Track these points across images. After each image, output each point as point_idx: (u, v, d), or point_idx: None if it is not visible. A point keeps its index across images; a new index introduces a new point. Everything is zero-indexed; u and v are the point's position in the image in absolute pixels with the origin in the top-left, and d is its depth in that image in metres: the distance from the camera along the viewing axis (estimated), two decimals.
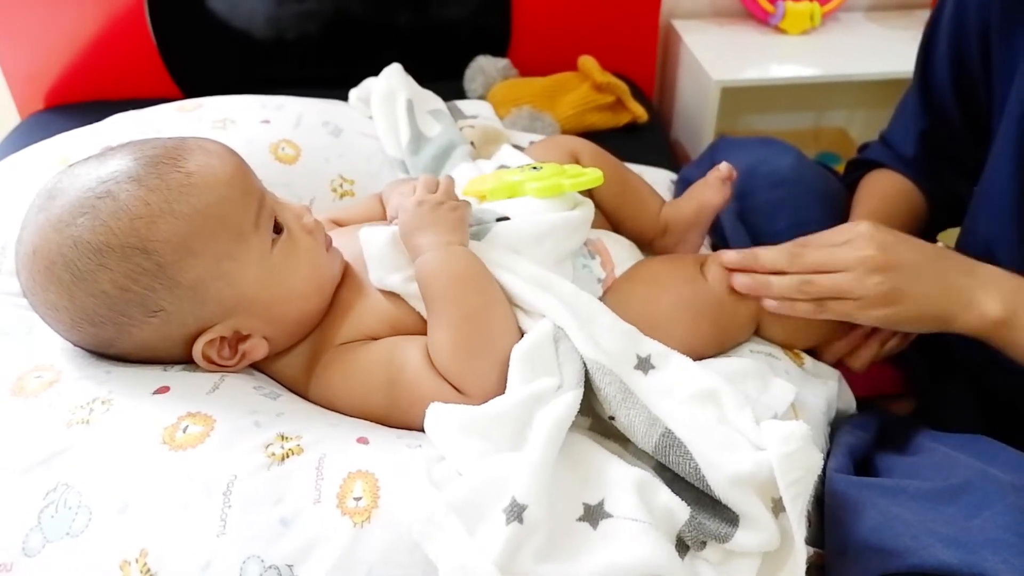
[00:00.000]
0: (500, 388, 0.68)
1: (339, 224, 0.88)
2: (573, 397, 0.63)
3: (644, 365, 0.71)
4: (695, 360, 0.74)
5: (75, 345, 0.70)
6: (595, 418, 0.69)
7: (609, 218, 0.93)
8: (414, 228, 0.74)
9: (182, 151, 0.68)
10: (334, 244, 0.78)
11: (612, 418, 0.67)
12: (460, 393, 0.68)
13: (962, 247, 0.95)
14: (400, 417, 0.70)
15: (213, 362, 0.70)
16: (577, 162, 0.91)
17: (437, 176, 0.96)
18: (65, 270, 0.64)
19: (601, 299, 0.80)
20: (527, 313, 0.72)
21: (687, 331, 0.80)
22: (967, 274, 0.79)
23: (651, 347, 0.73)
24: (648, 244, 0.95)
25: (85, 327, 0.67)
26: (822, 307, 0.80)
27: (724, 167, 0.95)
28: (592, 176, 0.82)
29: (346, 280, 0.78)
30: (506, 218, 0.78)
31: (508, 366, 0.68)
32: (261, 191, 0.72)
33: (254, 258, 0.69)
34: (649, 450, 0.64)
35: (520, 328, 0.72)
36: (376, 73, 1.13)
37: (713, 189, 0.95)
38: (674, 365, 0.72)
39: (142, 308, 0.66)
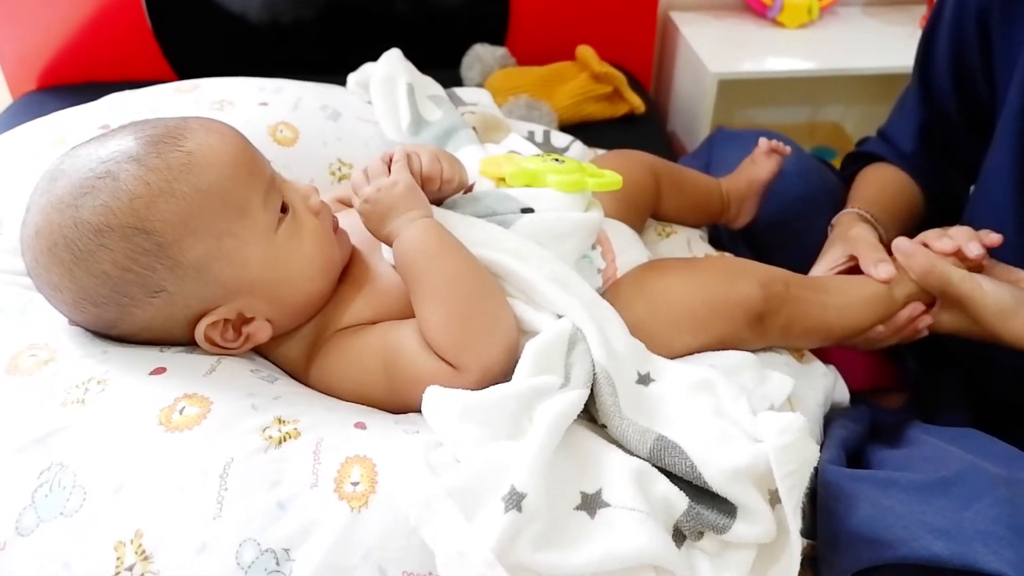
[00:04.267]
0: (497, 359, 0.68)
1: (345, 204, 0.88)
2: (578, 396, 0.63)
3: (644, 380, 0.71)
4: None
5: (78, 326, 0.70)
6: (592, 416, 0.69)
7: (686, 210, 1.03)
8: (376, 222, 0.73)
9: (183, 131, 0.68)
10: (341, 226, 0.78)
11: (604, 426, 0.66)
12: (456, 369, 0.68)
13: None
14: (400, 401, 0.70)
15: (216, 344, 0.69)
16: (657, 175, 0.99)
17: None
18: (66, 250, 0.64)
19: (603, 292, 0.80)
20: (538, 309, 0.72)
21: (691, 339, 0.79)
22: None
23: (652, 364, 0.73)
24: (717, 219, 1.08)
25: (87, 307, 0.66)
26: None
27: (764, 143, 1.05)
28: (612, 179, 0.81)
29: (353, 263, 0.78)
30: (530, 210, 0.78)
31: (500, 334, 0.69)
32: (269, 172, 0.72)
33: (258, 238, 0.69)
34: (644, 455, 0.64)
35: (528, 323, 0.72)
36: (373, 59, 1.12)
37: (759, 164, 1.06)
38: (672, 372, 0.72)
39: (143, 288, 0.65)
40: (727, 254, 1.02)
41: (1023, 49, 0.83)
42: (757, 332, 0.80)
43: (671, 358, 0.76)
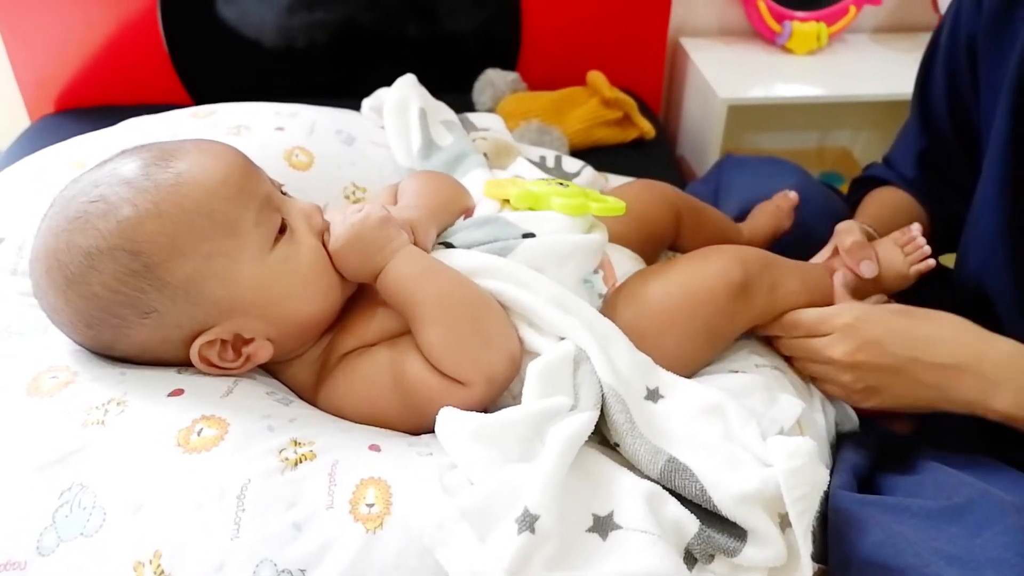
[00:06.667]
0: (500, 369, 0.70)
1: None
2: (588, 417, 0.64)
3: (653, 396, 0.72)
4: (699, 369, 0.79)
5: (82, 347, 0.70)
6: (604, 437, 0.70)
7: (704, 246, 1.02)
8: (355, 262, 0.72)
9: (177, 153, 0.68)
10: None
11: (617, 445, 0.67)
12: (463, 384, 0.69)
13: (957, 275, 0.96)
14: (415, 420, 0.70)
15: (213, 364, 0.69)
16: (678, 210, 0.99)
17: None
18: (60, 274, 0.65)
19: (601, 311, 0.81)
20: (541, 332, 0.73)
21: (681, 332, 0.80)
22: (970, 370, 0.76)
23: (660, 378, 0.74)
24: None
25: (83, 329, 0.67)
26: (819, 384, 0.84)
27: (794, 196, 1.07)
28: (615, 204, 0.83)
29: (366, 286, 0.77)
30: (531, 235, 0.79)
31: (500, 345, 0.70)
32: (265, 190, 0.71)
33: (249, 257, 0.68)
34: (654, 476, 0.65)
35: (533, 345, 0.73)
36: (386, 83, 1.14)
37: (783, 215, 1.07)
38: (681, 389, 0.73)
39: (134, 310, 0.66)
40: None
41: (1007, 79, 0.84)
42: (744, 304, 0.82)
43: (671, 362, 0.76)
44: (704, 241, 1.03)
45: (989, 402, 0.76)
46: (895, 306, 0.82)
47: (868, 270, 0.90)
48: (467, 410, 0.67)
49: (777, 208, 1.09)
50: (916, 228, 0.94)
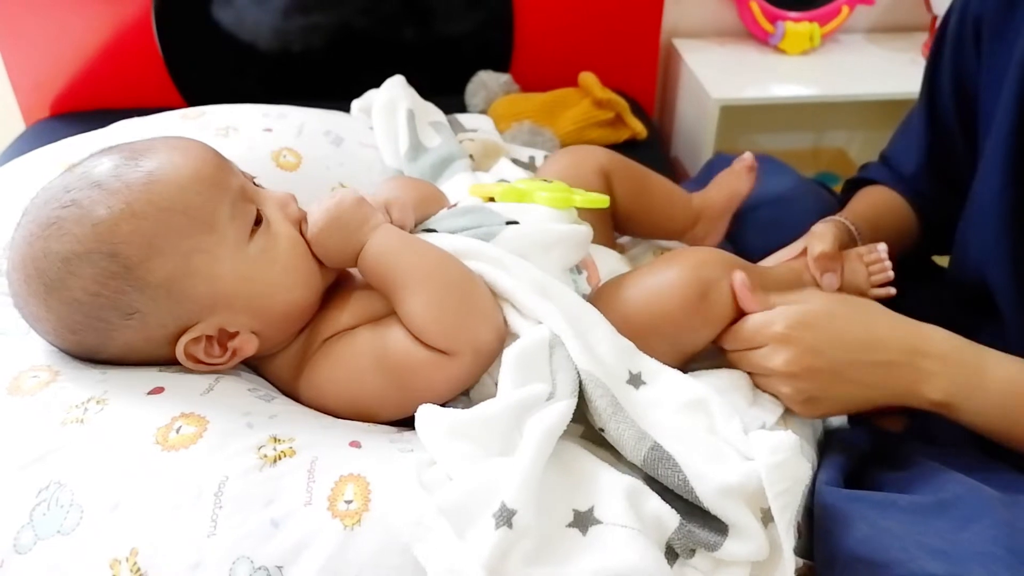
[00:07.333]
0: (486, 340, 0.70)
1: None
2: (566, 407, 0.64)
3: (635, 381, 0.72)
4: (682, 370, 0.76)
5: (68, 354, 0.70)
6: (587, 426, 0.69)
7: (642, 217, 0.99)
8: (335, 245, 0.72)
9: (146, 151, 0.68)
10: None
11: (602, 430, 0.67)
12: (449, 355, 0.68)
13: (954, 269, 0.96)
14: (398, 400, 0.70)
15: (201, 361, 0.69)
16: (606, 173, 0.95)
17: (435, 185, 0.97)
18: (39, 281, 0.65)
19: None
20: (524, 317, 0.73)
21: (647, 350, 0.77)
22: (905, 364, 0.75)
23: (643, 364, 0.73)
24: (680, 235, 1.03)
25: (67, 335, 0.67)
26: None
27: (749, 157, 1.03)
28: (600, 197, 0.83)
29: (343, 274, 0.77)
30: (515, 222, 0.79)
31: (486, 315, 0.70)
32: (238, 182, 0.71)
33: (228, 252, 0.68)
34: (638, 463, 0.64)
35: (515, 327, 0.72)
36: (380, 85, 1.14)
37: (741, 178, 1.03)
38: (664, 379, 0.72)
39: (116, 312, 0.65)
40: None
41: (1012, 66, 0.83)
42: (705, 313, 0.78)
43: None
44: (649, 207, 0.99)
45: (924, 392, 0.75)
46: (828, 300, 0.80)
47: (829, 283, 0.89)
48: (454, 383, 0.68)
49: (733, 173, 1.05)
50: (883, 249, 0.93)
